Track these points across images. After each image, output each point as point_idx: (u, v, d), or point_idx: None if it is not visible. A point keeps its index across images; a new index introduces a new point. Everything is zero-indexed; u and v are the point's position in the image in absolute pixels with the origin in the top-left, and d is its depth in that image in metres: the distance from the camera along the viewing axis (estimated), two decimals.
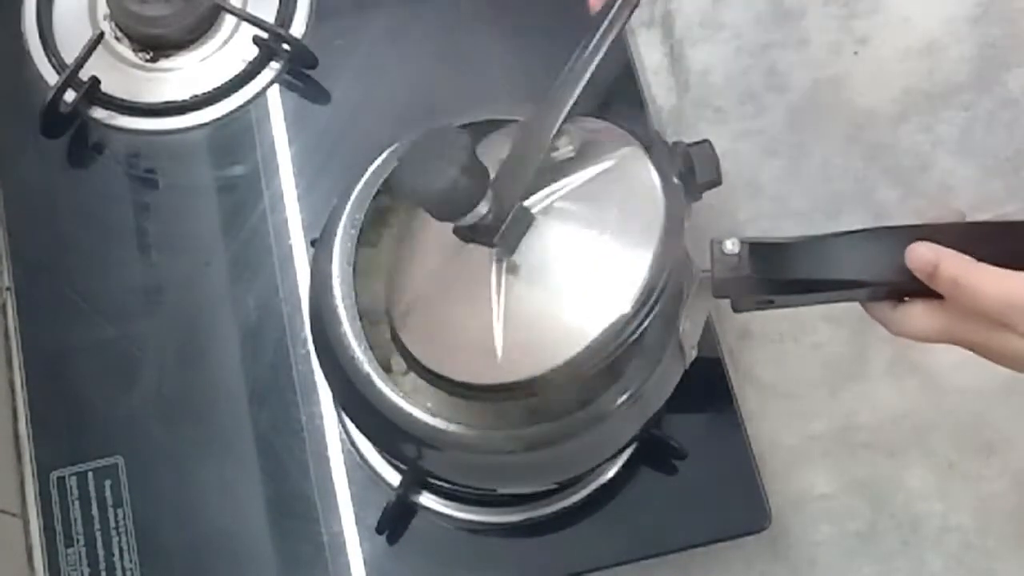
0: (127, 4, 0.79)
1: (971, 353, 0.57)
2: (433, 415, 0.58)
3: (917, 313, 0.56)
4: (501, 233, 0.55)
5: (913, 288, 0.56)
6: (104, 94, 0.79)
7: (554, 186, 0.58)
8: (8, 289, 0.76)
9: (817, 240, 0.58)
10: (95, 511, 0.70)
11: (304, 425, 0.72)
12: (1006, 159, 0.83)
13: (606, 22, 0.60)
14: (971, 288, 0.53)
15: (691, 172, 0.73)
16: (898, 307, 0.57)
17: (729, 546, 0.71)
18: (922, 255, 0.54)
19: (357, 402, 0.60)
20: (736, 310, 0.62)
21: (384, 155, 0.63)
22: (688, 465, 0.70)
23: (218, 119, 0.79)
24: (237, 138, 0.79)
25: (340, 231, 0.61)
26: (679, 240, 0.57)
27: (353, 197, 0.62)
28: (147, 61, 0.81)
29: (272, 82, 0.80)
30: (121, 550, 0.70)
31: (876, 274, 0.57)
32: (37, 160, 0.78)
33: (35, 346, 0.74)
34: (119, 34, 0.81)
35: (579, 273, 0.56)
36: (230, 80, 0.80)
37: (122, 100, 0.79)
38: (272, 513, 0.70)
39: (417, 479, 0.68)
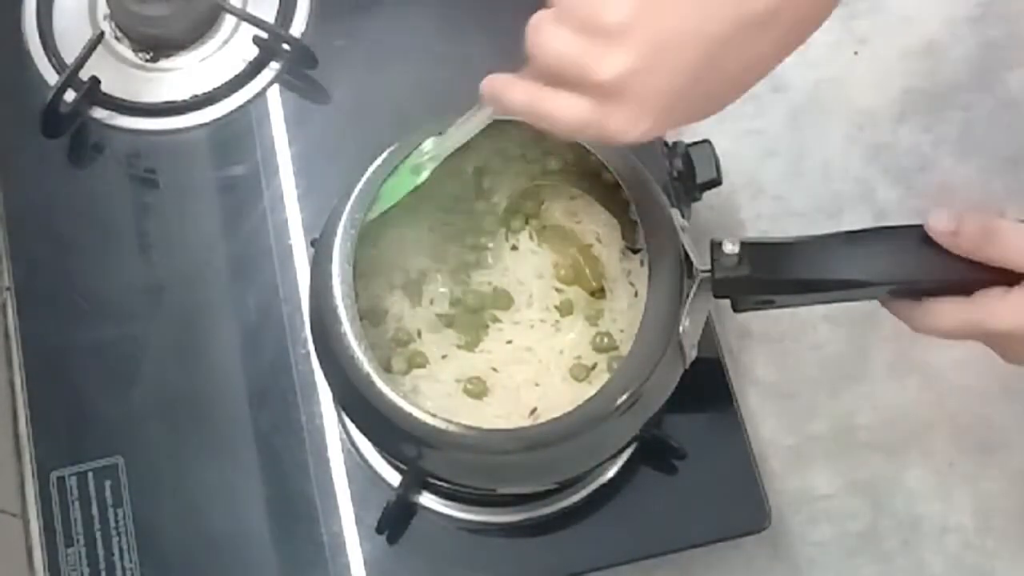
0: (127, 4, 0.79)
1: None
2: (433, 415, 0.58)
3: (942, 308, 0.55)
4: None
5: (913, 288, 0.56)
6: (104, 94, 0.79)
7: None
8: (8, 289, 0.76)
9: (817, 240, 0.58)
10: (95, 511, 0.70)
11: (304, 425, 0.72)
12: (1006, 159, 0.83)
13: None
14: (1001, 231, 0.53)
15: (691, 172, 0.74)
16: (922, 303, 0.56)
17: (729, 546, 0.71)
18: (944, 215, 0.54)
19: (357, 402, 0.60)
20: (736, 310, 0.62)
21: (384, 155, 0.63)
22: (688, 465, 0.70)
23: (218, 119, 0.79)
24: (237, 138, 0.79)
25: (340, 231, 0.61)
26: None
27: (353, 197, 0.62)
28: (147, 61, 0.81)
29: (272, 82, 0.80)
30: (121, 550, 0.70)
31: (877, 275, 0.57)
32: (37, 160, 0.78)
33: (35, 346, 0.74)
34: (119, 34, 0.81)
35: None
36: (230, 80, 0.80)
37: (122, 100, 0.79)
38: (272, 513, 0.70)
39: (417, 479, 0.67)
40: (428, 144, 0.61)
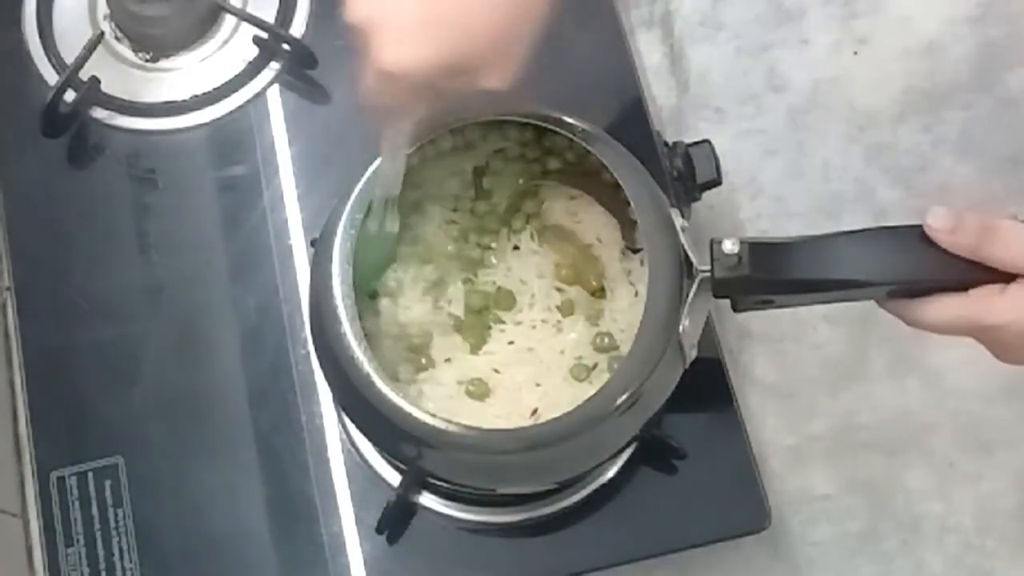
0: (127, 4, 0.79)
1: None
2: (433, 415, 0.58)
3: (938, 303, 0.56)
4: None
5: (913, 287, 0.56)
6: (104, 94, 0.79)
7: None
8: (8, 289, 0.76)
9: (817, 240, 0.58)
10: (95, 511, 0.70)
11: (304, 425, 0.72)
12: (1006, 159, 0.83)
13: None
14: (1000, 230, 0.53)
15: (691, 172, 0.74)
16: (916, 299, 0.56)
17: (729, 546, 0.71)
18: (943, 211, 0.54)
19: (357, 402, 0.60)
20: (736, 310, 0.62)
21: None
22: (688, 465, 0.70)
23: (218, 119, 0.79)
24: (237, 138, 0.79)
25: (340, 231, 0.61)
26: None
27: (353, 197, 0.62)
28: (147, 61, 0.81)
29: (272, 82, 0.80)
30: (121, 550, 0.70)
31: (876, 274, 0.57)
32: (37, 160, 0.78)
33: (35, 346, 0.74)
34: (119, 34, 0.81)
35: None
36: (230, 80, 0.80)
37: (122, 100, 0.79)
38: (272, 513, 0.70)
39: (417, 479, 0.67)
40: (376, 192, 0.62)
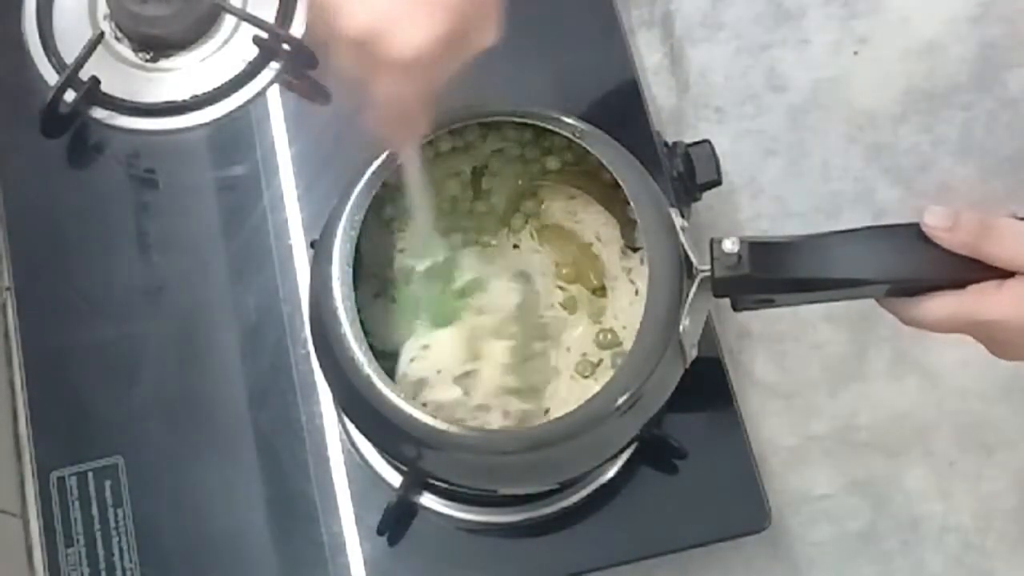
0: (127, 4, 0.79)
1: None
2: (434, 416, 0.58)
3: (934, 300, 0.56)
4: None
5: (912, 286, 0.56)
6: (104, 94, 0.79)
7: None
8: (8, 289, 0.76)
9: (817, 239, 0.58)
10: (95, 511, 0.70)
11: (304, 425, 0.72)
12: (1006, 159, 0.83)
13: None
14: (998, 228, 0.53)
15: (691, 172, 0.74)
16: (914, 297, 0.56)
17: (729, 546, 0.71)
18: (941, 209, 0.54)
19: (357, 403, 0.60)
20: (736, 310, 0.62)
21: (384, 155, 0.63)
22: (688, 465, 0.70)
23: (218, 119, 0.79)
24: (237, 138, 0.79)
25: (340, 231, 0.61)
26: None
27: (353, 197, 0.62)
28: (147, 61, 0.81)
29: (272, 82, 0.80)
30: (121, 550, 0.70)
31: (876, 273, 0.57)
32: (37, 160, 0.78)
33: (35, 346, 0.74)
34: (119, 34, 0.81)
35: None
36: (230, 80, 0.80)
37: (122, 100, 0.79)
38: (272, 513, 0.70)
39: (418, 480, 0.67)
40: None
